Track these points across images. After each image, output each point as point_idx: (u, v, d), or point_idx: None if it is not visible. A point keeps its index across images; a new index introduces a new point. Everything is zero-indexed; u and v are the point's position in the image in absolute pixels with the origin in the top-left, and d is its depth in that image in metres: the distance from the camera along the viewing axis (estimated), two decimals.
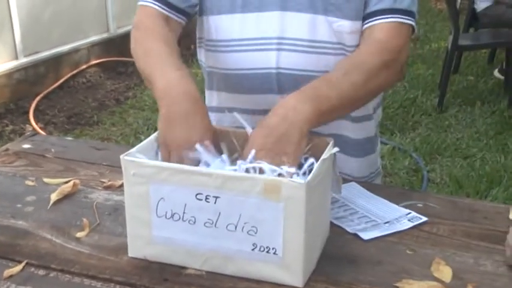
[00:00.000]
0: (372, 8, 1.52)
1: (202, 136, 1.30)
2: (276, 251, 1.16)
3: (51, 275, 1.23)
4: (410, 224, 1.40)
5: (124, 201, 1.44)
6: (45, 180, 1.62)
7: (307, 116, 1.29)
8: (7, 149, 1.83)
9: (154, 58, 1.46)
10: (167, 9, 1.59)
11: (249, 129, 1.34)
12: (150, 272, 1.23)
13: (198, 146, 1.27)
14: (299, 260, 1.16)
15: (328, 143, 1.29)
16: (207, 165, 1.27)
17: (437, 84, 5.78)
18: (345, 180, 1.51)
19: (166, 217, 1.20)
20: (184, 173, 1.17)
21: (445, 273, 1.22)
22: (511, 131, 4.87)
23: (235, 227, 1.17)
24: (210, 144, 1.29)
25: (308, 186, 1.11)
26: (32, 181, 1.62)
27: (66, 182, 1.58)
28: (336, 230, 1.37)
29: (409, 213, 1.44)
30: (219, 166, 1.26)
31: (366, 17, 1.54)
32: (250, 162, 1.24)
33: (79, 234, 1.36)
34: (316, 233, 1.25)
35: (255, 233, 1.16)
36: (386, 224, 1.40)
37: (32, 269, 1.24)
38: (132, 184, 1.22)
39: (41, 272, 1.24)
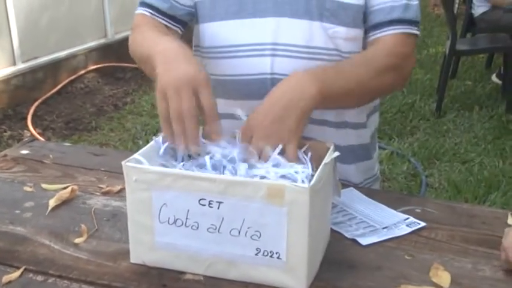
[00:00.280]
0: (381, 18, 1.54)
1: (194, 70, 1.30)
2: (279, 255, 1.16)
3: (50, 280, 1.23)
4: (409, 230, 1.40)
5: (122, 206, 1.45)
6: (44, 186, 1.62)
7: (312, 95, 1.33)
8: (5, 155, 1.83)
9: (150, 39, 1.50)
10: (160, 16, 1.64)
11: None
12: (148, 277, 1.23)
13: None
14: (303, 264, 1.16)
15: (329, 148, 1.29)
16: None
17: (435, 89, 5.79)
18: (343, 186, 1.51)
19: (169, 223, 1.20)
20: (187, 179, 1.17)
21: (444, 278, 1.22)
22: (509, 135, 4.88)
23: (239, 232, 1.17)
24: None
25: (312, 190, 1.11)
26: (30, 187, 1.62)
27: (65, 188, 1.58)
28: (334, 236, 1.37)
29: (407, 218, 1.44)
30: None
31: (375, 27, 1.56)
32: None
33: (77, 240, 1.36)
34: (319, 237, 1.25)
35: (259, 237, 1.16)
36: (385, 230, 1.40)
37: (31, 275, 1.24)
38: (134, 190, 1.22)
39: (39, 278, 1.23)
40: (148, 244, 1.24)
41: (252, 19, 1.57)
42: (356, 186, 1.61)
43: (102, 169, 1.73)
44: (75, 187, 1.58)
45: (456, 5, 8.13)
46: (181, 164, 1.33)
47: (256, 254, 1.17)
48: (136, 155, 1.25)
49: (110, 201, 1.54)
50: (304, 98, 1.33)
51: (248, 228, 1.16)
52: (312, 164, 1.28)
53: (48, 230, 1.41)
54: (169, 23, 1.65)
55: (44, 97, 5.64)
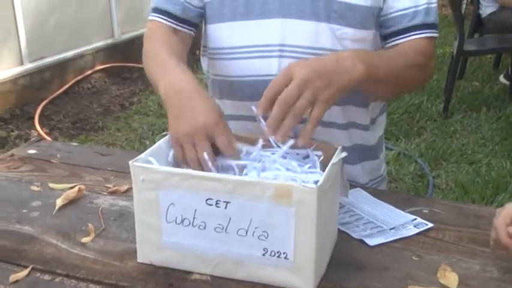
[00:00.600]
0: (405, 24, 1.56)
1: (207, 117, 1.31)
2: (287, 255, 1.16)
3: (57, 280, 1.23)
4: (416, 230, 1.39)
5: (130, 206, 1.45)
6: (51, 185, 1.62)
7: (360, 72, 1.35)
8: (12, 155, 1.83)
9: (158, 63, 1.50)
10: (173, 21, 1.64)
11: (263, 125, 1.31)
12: (155, 277, 1.23)
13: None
14: (310, 264, 1.16)
15: (336, 149, 1.29)
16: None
17: (442, 89, 5.77)
18: (350, 186, 1.50)
19: (176, 222, 1.20)
20: (195, 178, 1.17)
21: (451, 279, 1.22)
22: None
23: (246, 232, 1.17)
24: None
25: (319, 190, 1.11)
26: (38, 186, 1.62)
27: (72, 188, 1.58)
28: (341, 236, 1.36)
29: (415, 219, 1.44)
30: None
31: (398, 33, 1.58)
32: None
33: (84, 240, 1.36)
34: (327, 237, 1.25)
35: (266, 237, 1.16)
36: (392, 230, 1.39)
37: (38, 274, 1.24)
38: (142, 190, 1.22)
39: (47, 277, 1.24)
40: (156, 244, 1.24)
41: (259, 20, 1.57)
42: (363, 187, 1.61)
43: (109, 169, 1.73)
44: (82, 187, 1.58)
45: (464, 6, 8.12)
46: None
47: (263, 254, 1.17)
48: (143, 155, 1.25)
49: (117, 201, 1.54)
50: (352, 72, 1.34)
51: (255, 228, 1.16)
52: (321, 167, 1.28)
53: (55, 230, 1.41)
54: (183, 27, 1.65)
55: (51, 97, 5.65)
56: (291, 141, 1.29)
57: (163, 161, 1.32)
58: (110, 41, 6.54)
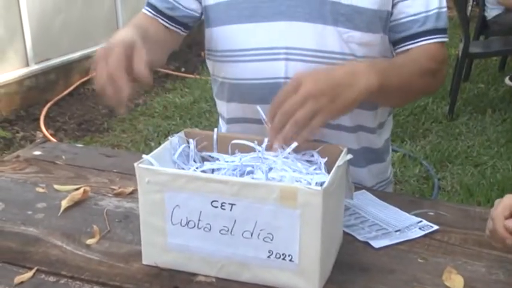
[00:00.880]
0: (416, 29, 1.56)
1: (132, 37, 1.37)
2: (292, 257, 1.16)
3: (62, 281, 1.23)
4: (422, 233, 1.39)
5: (135, 208, 1.45)
6: (56, 187, 1.62)
7: (372, 84, 1.35)
8: (18, 156, 1.83)
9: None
10: (160, 16, 1.68)
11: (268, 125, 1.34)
12: (160, 279, 1.23)
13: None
14: (315, 266, 1.16)
15: (342, 150, 1.28)
16: None
17: (447, 91, 5.76)
18: (356, 189, 1.50)
19: (181, 224, 1.20)
20: (200, 181, 1.17)
21: (457, 282, 1.21)
22: None
23: (251, 234, 1.16)
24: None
25: (325, 192, 1.11)
26: (43, 188, 1.62)
27: (77, 189, 1.58)
28: (346, 238, 1.36)
29: (420, 221, 1.44)
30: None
31: (408, 38, 1.57)
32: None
33: (89, 241, 1.36)
34: (332, 240, 1.24)
35: (271, 240, 1.16)
36: (397, 232, 1.39)
37: (43, 276, 1.24)
38: (147, 192, 1.21)
39: (52, 279, 1.24)
40: (161, 246, 1.24)
41: (265, 23, 1.56)
42: (369, 189, 1.60)
43: (115, 170, 1.73)
44: (88, 188, 1.58)
45: (469, 8, 8.11)
46: (195, 166, 1.33)
47: (268, 256, 1.17)
48: (148, 157, 1.25)
49: (122, 203, 1.54)
50: (363, 87, 1.34)
51: (261, 230, 1.16)
52: (326, 169, 1.28)
53: (60, 231, 1.41)
54: (169, 23, 1.68)
55: (57, 98, 5.66)
56: (295, 144, 1.29)
57: (168, 162, 1.32)
58: None
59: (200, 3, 1.66)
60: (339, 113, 1.34)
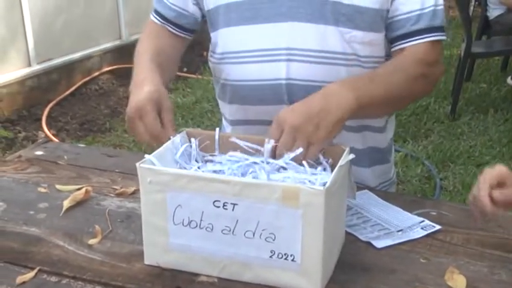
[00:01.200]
0: (409, 28, 1.54)
1: (144, 101, 1.42)
2: (294, 257, 1.16)
3: (64, 281, 1.23)
4: (424, 232, 1.39)
5: (137, 208, 1.45)
6: (58, 187, 1.62)
7: (350, 102, 1.36)
8: (20, 156, 1.84)
9: (139, 60, 1.64)
10: (168, 24, 1.73)
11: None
12: (162, 279, 1.23)
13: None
14: (318, 266, 1.16)
15: (344, 150, 1.28)
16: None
17: (450, 91, 5.76)
18: (358, 188, 1.50)
19: (183, 224, 1.20)
20: (202, 181, 1.17)
21: (459, 282, 1.21)
22: None
23: (253, 234, 1.16)
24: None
25: (327, 192, 1.11)
26: (45, 188, 1.62)
27: (79, 189, 1.58)
28: (349, 238, 1.36)
29: (423, 221, 1.44)
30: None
31: (403, 37, 1.56)
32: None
33: (91, 241, 1.36)
34: (334, 240, 1.24)
35: (273, 239, 1.16)
36: (400, 232, 1.39)
37: (45, 276, 1.25)
38: (149, 192, 1.22)
39: (54, 279, 1.24)
40: (163, 246, 1.24)
41: (267, 24, 1.56)
42: (372, 190, 1.60)
43: (117, 170, 1.73)
44: (90, 188, 1.58)
45: (471, 8, 8.10)
46: (197, 166, 1.33)
47: (270, 256, 1.17)
48: (150, 157, 1.25)
49: (124, 203, 1.54)
50: (341, 107, 1.35)
51: (263, 230, 1.16)
52: (331, 170, 1.28)
53: (62, 231, 1.41)
54: (177, 30, 1.73)
55: (59, 98, 5.66)
56: (300, 149, 1.30)
57: (171, 162, 1.32)
58: (117, 42, 6.54)
59: (199, 8, 1.69)
60: (328, 136, 1.34)
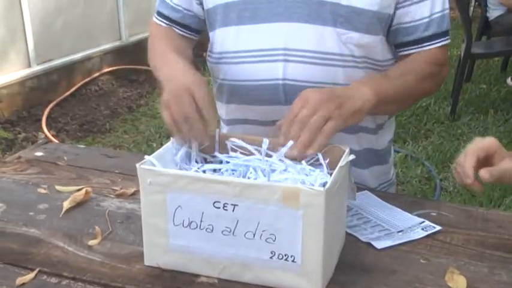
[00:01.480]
0: (419, 35, 1.58)
1: (191, 81, 1.41)
2: (294, 258, 1.16)
3: (64, 283, 1.23)
4: (424, 233, 1.39)
5: (136, 209, 1.45)
6: (58, 188, 1.62)
7: (369, 97, 1.41)
8: (19, 157, 1.83)
9: (159, 55, 1.62)
10: (174, 25, 1.73)
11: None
12: (162, 280, 1.23)
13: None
14: (318, 267, 1.16)
15: (344, 151, 1.28)
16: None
17: (449, 92, 5.76)
18: (358, 189, 1.50)
19: (183, 225, 1.20)
20: (202, 181, 1.17)
21: (460, 282, 1.21)
22: None
23: (254, 235, 1.16)
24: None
25: (327, 193, 1.11)
26: (45, 189, 1.62)
27: (79, 190, 1.58)
28: (349, 239, 1.36)
29: (423, 222, 1.44)
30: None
31: (413, 43, 1.59)
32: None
33: (91, 242, 1.36)
34: (334, 240, 1.24)
35: (274, 240, 1.16)
36: (400, 233, 1.39)
37: (44, 277, 1.24)
38: (149, 193, 1.21)
39: (53, 280, 1.23)
40: (163, 247, 1.24)
41: (264, 24, 1.56)
42: (371, 190, 1.60)
43: (116, 171, 1.73)
44: (89, 189, 1.58)
45: (471, 8, 8.10)
46: (197, 167, 1.33)
47: (271, 257, 1.17)
48: (150, 157, 1.25)
49: (124, 204, 1.54)
50: (362, 98, 1.40)
51: (263, 231, 1.15)
52: (328, 170, 1.28)
53: (62, 232, 1.41)
54: (184, 31, 1.74)
55: (59, 99, 5.66)
56: (291, 142, 1.31)
57: (170, 163, 1.32)
58: (117, 43, 6.55)
59: (202, 8, 1.68)
60: (347, 120, 1.36)
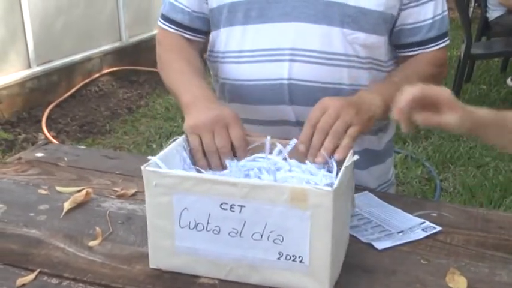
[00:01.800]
0: (422, 36, 1.61)
1: (225, 110, 1.42)
2: (302, 259, 1.16)
3: (64, 283, 1.23)
4: (424, 234, 1.39)
5: (137, 210, 1.45)
6: (58, 188, 1.62)
7: (379, 104, 1.44)
8: (20, 158, 1.83)
9: (178, 79, 1.60)
10: (182, 30, 1.71)
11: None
12: (163, 281, 1.22)
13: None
14: (326, 267, 1.15)
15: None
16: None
17: None
18: (359, 190, 1.50)
19: (189, 227, 1.19)
20: (209, 183, 1.16)
21: (460, 283, 1.21)
22: None
23: (261, 236, 1.16)
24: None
25: (335, 193, 1.11)
26: (45, 190, 1.62)
27: (79, 191, 1.58)
28: (350, 239, 1.36)
29: (423, 222, 1.44)
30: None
31: (417, 44, 1.62)
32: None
33: (92, 243, 1.36)
34: (341, 240, 1.24)
35: (281, 241, 1.15)
36: (400, 234, 1.39)
37: (45, 278, 1.24)
38: (155, 195, 1.20)
39: (54, 281, 1.23)
40: (169, 249, 1.23)
41: (271, 24, 1.56)
42: (371, 191, 1.60)
43: (117, 172, 1.73)
44: (90, 190, 1.58)
45: (471, 9, 8.11)
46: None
47: (278, 258, 1.17)
48: (156, 159, 1.24)
49: (125, 204, 1.54)
50: (374, 105, 1.43)
51: (270, 232, 1.15)
52: (337, 169, 1.29)
53: (62, 233, 1.41)
54: (192, 35, 1.72)
55: (59, 100, 5.66)
56: (294, 141, 1.34)
57: (175, 165, 1.31)
58: (117, 44, 6.55)
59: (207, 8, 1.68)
60: (365, 125, 1.39)
